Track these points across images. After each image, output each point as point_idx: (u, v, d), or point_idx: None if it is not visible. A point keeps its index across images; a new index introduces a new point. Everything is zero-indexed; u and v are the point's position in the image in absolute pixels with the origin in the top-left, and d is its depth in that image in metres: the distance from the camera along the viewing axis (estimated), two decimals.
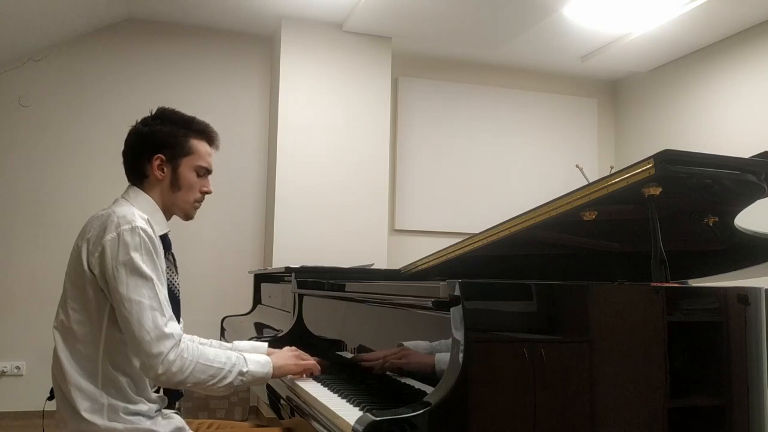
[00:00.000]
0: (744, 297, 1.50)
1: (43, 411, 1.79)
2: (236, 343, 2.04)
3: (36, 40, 4.32)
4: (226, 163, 4.56)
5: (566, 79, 5.61)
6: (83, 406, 1.55)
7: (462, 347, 1.25)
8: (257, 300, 3.72)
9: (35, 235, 4.34)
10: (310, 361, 1.84)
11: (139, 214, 1.62)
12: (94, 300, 1.58)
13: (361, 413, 1.30)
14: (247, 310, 3.78)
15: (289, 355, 1.82)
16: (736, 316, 1.49)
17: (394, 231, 4.98)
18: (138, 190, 1.75)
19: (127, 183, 1.79)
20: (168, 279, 1.71)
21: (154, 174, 1.72)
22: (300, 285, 2.48)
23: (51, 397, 1.71)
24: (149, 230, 1.60)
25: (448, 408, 1.22)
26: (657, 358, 1.41)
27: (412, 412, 1.20)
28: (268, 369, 1.68)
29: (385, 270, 3.19)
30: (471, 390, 1.24)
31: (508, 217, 1.87)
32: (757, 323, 1.51)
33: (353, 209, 4.56)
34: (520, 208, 1.85)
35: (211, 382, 1.57)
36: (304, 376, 1.84)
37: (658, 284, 1.51)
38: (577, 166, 3.58)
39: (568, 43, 4.73)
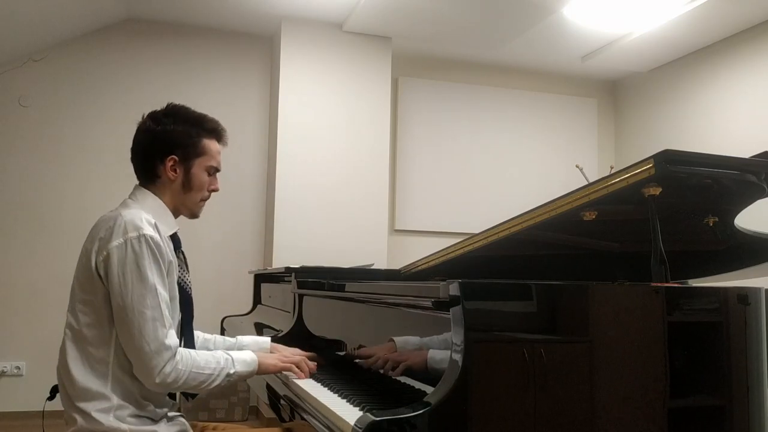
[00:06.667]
0: (744, 297, 1.50)
1: (43, 411, 1.79)
2: (240, 338, 2.06)
3: (36, 40, 4.32)
4: (226, 163, 4.51)
5: (566, 79, 5.61)
6: (91, 407, 1.55)
7: (462, 347, 1.25)
8: (257, 300, 3.72)
9: (35, 235, 4.34)
10: (295, 357, 1.85)
11: (147, 218, 1.61)
12: (104, 303, 1.58)
13: (361, 413, 1.30)
14: (247, 310, 3.78)
15: (276, 355, 1.87)
16: (736, 316, 1.49)
17: (394, 231, 4.98)
18: (145, 191, 1.73)
19: (129, 182, 1.78)
20: (179, 277, 1.72)
21: (166, 175, 1.71)
22: (300, 285, 2.48)
23: (51, 397, 1.71)
24: (156, 237, 1.60)
25: (448, 408, 1.22)
26: (657, 358, 1.41)
27: (412, 412, 1.20)
28: (253, 367, 1.73)
29: (385, 270, 3.19)
30: (471, 390, 1.24)
31: (508, 217, 1.87)
32: (757, 323, 1.51)
33: (353, 209, 4.56)
34: (520, 208, 1.85)
35: (201, 387, 1.64)
36: (300, 374, 1.83)
37: (658, 284, 1.51)
38: (577, 166, 3.58)
39: (568, 43, 4.73)
